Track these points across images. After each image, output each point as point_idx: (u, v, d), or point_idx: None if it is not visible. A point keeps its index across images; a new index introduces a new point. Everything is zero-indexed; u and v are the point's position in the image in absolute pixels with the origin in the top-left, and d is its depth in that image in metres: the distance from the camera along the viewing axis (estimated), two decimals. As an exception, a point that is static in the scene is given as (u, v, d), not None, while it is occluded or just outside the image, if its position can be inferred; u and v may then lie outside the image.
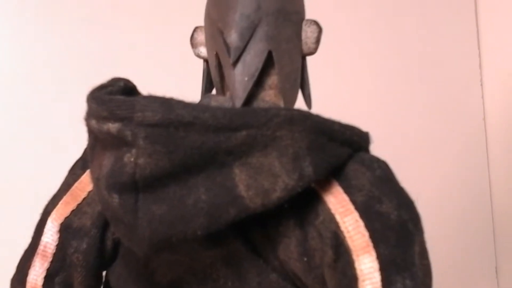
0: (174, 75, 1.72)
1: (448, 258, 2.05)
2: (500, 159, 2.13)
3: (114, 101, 0.77)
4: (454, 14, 2.15)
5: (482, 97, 2.17)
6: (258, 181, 0.75)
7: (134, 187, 0.76)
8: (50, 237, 0.91)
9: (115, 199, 0.77)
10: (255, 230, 0.82)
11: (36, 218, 0.95)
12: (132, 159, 0.75)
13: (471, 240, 2.13)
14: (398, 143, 2.01)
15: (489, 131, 2.17)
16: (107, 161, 0.79)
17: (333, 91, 1.92)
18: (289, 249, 0.81)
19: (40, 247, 0.91)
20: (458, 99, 2.15)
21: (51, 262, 0.91)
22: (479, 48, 2.17)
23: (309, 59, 0.99)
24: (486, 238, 2.14)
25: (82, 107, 0.84)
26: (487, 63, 2.17)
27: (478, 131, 2.16)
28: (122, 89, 0.84)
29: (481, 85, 2.17)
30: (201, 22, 0.99)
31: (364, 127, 0.85)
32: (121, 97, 0.77)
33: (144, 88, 0.91)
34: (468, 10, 2.16)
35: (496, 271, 2.13)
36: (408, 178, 0.85)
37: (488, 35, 2.16)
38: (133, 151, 0.75)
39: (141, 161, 0.74)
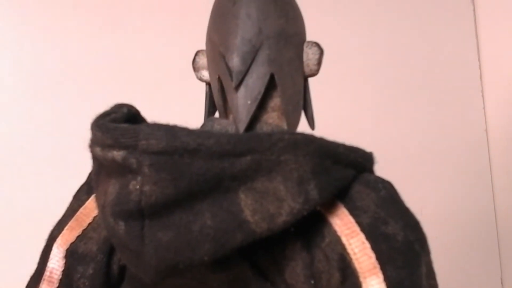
0: (176, 98, 1.73)
1: (453, 271, 2.05)
2: (503, 169, 2.14)
3: (119, 129, 0.77)
4: (453, 25, 2.17)
5: (484, 108, 2.18)
6: (264, 205, 0.75)
7: (140, 214, 0.76)
8: (56, 263, 0.91)
9: (121, 226, 0.77)
10: (262, 253, 0.82)
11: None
12: (137, 187, 0.75)
13: (476, 251, 2.13)
14: (401, 155, 2.02)
15: (491, 142, 2.18)
16: (112, 188, 0.79)
17: (335, 108, 1.93)
18: (295, 272, 0.81)
19: (46, 273, 0.91)
20: (460, 111, 2.16)
21: None
22: (479, 60, 2.19)
23: (311, 79, 0.99)
24: (491, 248, 2.14)
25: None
26: (487, 74, 2.18)
27: (480, 142, 2.17)
28: (126, 115, 0.85)
29: (482, 96, 2.18)
30: (202, 46, 1.00)
31: (366, 141, 0.86)
32: (126, 125, 0.77)
33: (146, 111, 0.91)
34: (467, 21, 2.18)
35: (502, 282, 2.14)
36: (411, 190, 0.86)
37: (488, 45, 2.17)
38: (139, 178, 0.75)
39: (146, 188, 0.74)
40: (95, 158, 0.83)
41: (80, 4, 1.75)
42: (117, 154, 0.76)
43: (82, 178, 0.98)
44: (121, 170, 0.77)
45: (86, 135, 0.85)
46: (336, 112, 1.90)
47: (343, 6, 2.02)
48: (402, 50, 2.10)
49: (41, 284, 0.91)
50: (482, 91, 2.18)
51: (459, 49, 2.16)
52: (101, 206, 0.82)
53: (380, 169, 0.88)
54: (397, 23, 2.10)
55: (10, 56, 1.70)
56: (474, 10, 2.18)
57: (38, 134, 1.71)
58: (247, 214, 0.75)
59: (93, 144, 0.81)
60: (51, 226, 0.96)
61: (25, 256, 1.05)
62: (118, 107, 0.86)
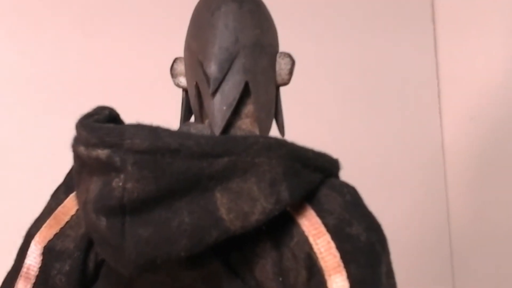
0: (153, 103, 1.76)
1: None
2: (458, 185, 2.19)
3: (104, 129, 0.81)
4: (413, 42, 2.22)
5: (441, 124, 2.24)
6: (238, 204, 0.79)
7: (122, 210, 0.79)
8: (33, 260, 0.93)
9: (103, 222, 0.81)
10: (234, 251, 0.86)
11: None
12: (120, 184, 0.78)
13: (428, 265, 2.20)
14: (357, 171, 2.06)
15: (447, 157, 2.24)
16: (94, 185, 0.82)
17: (303, 117, 1.98)
18: (265, 269, 0.85)
19: (23, 270, 0.93)
20: (417, 127, 2.21)
21: (34, 284, 0.93)
22: (437, 77, 2.24)
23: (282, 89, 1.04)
24: (444, 268, 2.21)
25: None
26: (445, 91, 2.23)
27: (437, 162, 2.23)
28: (107, 117, 0.89)
29: (439, 112, 2.24)
30: (180, 53, 1.04)
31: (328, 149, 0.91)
32: (111, 125, 0.82)
33: (124, 114, 0.95)
34: (427, 38, 2.23)
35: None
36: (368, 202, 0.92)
37: (446, 63, 2.22)
38: (122, 176, 0.78)
39: (129, 185, 0.78)
40: (77, 156, 0.86)
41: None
42: (102, 153, 0.80)
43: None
44: (104, 168, 0.81)
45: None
46: (302, 122, 1.95)
47: (313, 24, 2.08)
48: (361, 66, 2.15)
49: (18, 280, 0.93)
50: (439, 108, 2.24)
51: (418, 66, 2.22)
52: (82, 203, 0.85)
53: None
54: (358, 41, 2.15)
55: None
56: (434, 28, 2.24)
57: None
58: (223, 212, 0.79)
59: (77, 143, 0.85)
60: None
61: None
62: (100, 109, 0.90)
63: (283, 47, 1.04)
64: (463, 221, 2.18)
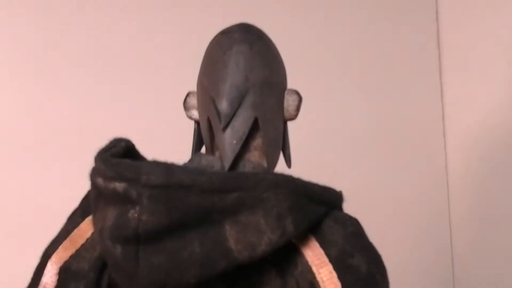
0: (167, 134, 1.82)
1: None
2: (461, 208, 2.22)
3: (122, 164, 0.87)
4: (418, 65, 2.26)
5: (445, 147, 2.28)
6: (246, 236, 0.84)
7: (136, 239, 0.85)
8: (50, 278, 0.98)
9: (118, 249, 0.86)
10: (241, 279, 0.91)
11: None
12: (136, 215, 0.84)
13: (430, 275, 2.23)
14: (364, 196, 2.10)
15: (451, 181, 2.27)
16: (111, 214, 0.88)
17: (311, 149, 2.03)
18: None
19: (40, 287, 0.98)
20: (422, 150, 2.25)
21: None
22: (442, 100, 2.27)
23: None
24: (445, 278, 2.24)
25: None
26: (449, 115, 2.26)
27: (440, 181, 2.27)
28: (124, 149, 0.95)
29: (444, 136, 2.28)
30: (193, 87, 1.09)
31: (334, 177, 0.96)
32: (128, 161, 0.87)
33: (139, 143, 1.01)
34: (432, 62, 2.28)
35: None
36: (373, 228, 0.96)
37: (451, 87, 2.25)
38: (137, 208, 0.84)
39: (144, 217, 0.84)
40: (95, 187, 0.92)
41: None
42: (119, 186, 0.86)
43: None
44: (121, 200, 0.86)
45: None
46: (310, 154, 1.99)
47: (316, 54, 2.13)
48: (367, 89, 2.19)
49: None
50: (443, 132, 2.28)
51: (423, 89, 2.26)
52: (98, 230, 0.91)
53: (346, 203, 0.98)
54: (363, 60, 2.19)
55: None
56: (438, 52, 2.28)
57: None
58: (231, 243, 0.84)
59: (95, 174, 0.91)
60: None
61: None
62: (117, 141, 0.96)
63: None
64: (465, 238, 2.21)
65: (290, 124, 1.08)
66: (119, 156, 0.92)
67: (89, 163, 0.94)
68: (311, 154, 1.94)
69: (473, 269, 2.17)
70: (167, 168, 0.85)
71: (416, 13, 2.28)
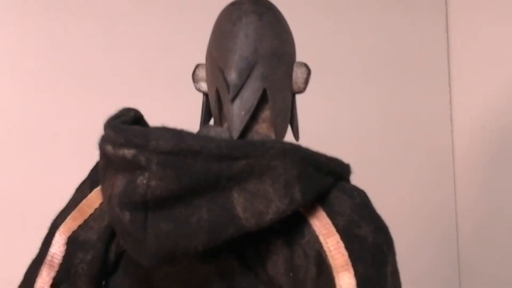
0: (174, 105, 1.82)
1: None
2: (468, 194, 2.23)
3: (131, 130, 0.87)
4: (426, 55, 2.26)
5: (452, 142, 2.28)
6: (254, 204, 0.85)
7: (145, 206, 0.85)
8: (58, 249, 0.99)
9: (127, 216, 0.86)
10: (248, 247, 0.91)
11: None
12: (144, 181, 0.84)
13: (436, 268, 2.23)
14: (370, 176, 2.10)
15: (458, 168, 2.27)
16: (119, 182, 0.88)
17: (319, 122, 2.03)
18: (277, 265, 0.90)
19: (48, 258, 0.99)
20: (428, 137, 2.25)
21: (58, 271, 0.98)
22: (450, 95, 2.28)
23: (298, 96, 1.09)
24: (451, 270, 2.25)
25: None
26: (457, 109, 2.27)
27: (447, 168, 2.27)
28: (133, 118, 0.95)
29: (451, 131, 2.29)
30: (201, 59, 1.09)
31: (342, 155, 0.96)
32: (137, 127, 0.87)
33: (147, 115, 1.01)
34: (440, 51, 2.28)
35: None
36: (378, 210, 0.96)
37: (458, 74, 2.26)
38: (146, 174, 0.84)
39: (152, 183, 0.84)
40: (104, 154, 0.92)
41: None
42: (128, 152, 0.86)
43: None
44: (130, 166, 0.86)
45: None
46: (318, 127, 1.99)
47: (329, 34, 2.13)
48: (375, 73, 2.20)
49: (42, 267, 0.99)
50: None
51: (430, 74, 2.26)
52: (107, 197, 0.91)
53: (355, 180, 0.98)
54: (372, 47, 2.20)
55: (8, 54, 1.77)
56: (447, 36, 2.28)
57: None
58: (239, 210, 0.85)
59: (104, 142, 0.91)
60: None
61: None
62: (126, 110, 0.96)
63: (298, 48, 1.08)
64: (471, 225, 2.22)
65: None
66: (128, 125, 0.92)
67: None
68: (316, 132, 1.93)
69: (479, 262, 2.18)
70: (176, 133, 0.85)
71: (425, 8, 2.28)
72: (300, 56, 1.11)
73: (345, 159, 0.95)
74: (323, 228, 0.89)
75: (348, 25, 2.17)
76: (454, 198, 2.27)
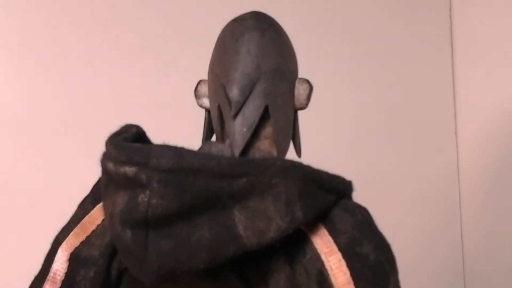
0: (177, 122, 1.81)
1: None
2: (472, 203, 2.22)
3: (132, 148, 0.87)
4: (431, 67, 2.26)
5: (456, 142, 2.28)
6: (255, 222, 0.84)
7: (146, 224, 0.85)
8: (60, 265, 0.98)
9: (128, 233, 0.86)
10: (250, 266, 0.91)
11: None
12: (145, 199, 0.84)
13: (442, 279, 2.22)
14: (376, 187, 2.10)
15: (462, 177, 2.26)
16: (121, 199, 0.88)
17: (320, 139, 2.02)
18: (279, 284, 0.90)
19: (50, 274, 0.98)
20: (433, 146, 2.24)
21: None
22: (454, 94, 2.27)
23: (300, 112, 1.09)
24: (456, 276, 2.23)
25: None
26: (461, 109, 2.26)
27: (452, 177, 2.26)
28: (134, 135, 0.95)
29: (455, 131, 2.28)
30: (204, 75, 1.09)
31: (345, 170, 0.95)
32: (139, 145, 0.87)
33: (150, 132, 1.01)
34: (444, 59, 2.27)
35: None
36: (384, 219, 0.96)
37: (463, 84, 2.25)
38: (147, 192, 0.84)
39: (153, 201, 0.84)
40: (105, 171, 0.92)
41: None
42: (129, 170, 0.86)
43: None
44: (131, 184, 0.86)
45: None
46: (318, 147, 1.99)
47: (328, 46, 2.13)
48: (379, 87, 2.19)
49: (45, 284, 0.98)
50: (455, 125, 2.28)
51: (435, 87, 2.26)
52: (109, 215, 0.91)
53: (358, 197, 0.98)
54: (376, 62, 2.19)
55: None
56: (451, 49, 2.28)
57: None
58: (240, 229, 0.84)
59: (106, 159, 0.91)
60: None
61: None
62: (128, 127, 0.96)
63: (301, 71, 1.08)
64: (476, 234, 2.21)
65: (300, 115, 1.08)
66: (129, 142, 0.92)
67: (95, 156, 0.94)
68: (320, 147, 1.93)
69: (484, 265, 2.17)
70: (177, 151, 0.85)
71: (430, 5, 2.28)
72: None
73: (349, 168, 0.94)
74: (325, 247, 0.88)
75: (350, 21, 2.17)
76: (459, 206, 2.26)
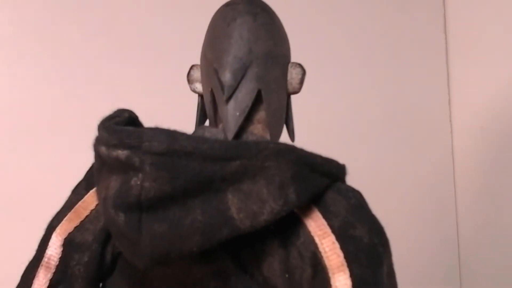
0: (169, 107, 1.81)
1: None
2: (467, 194, 2.22)
3: (125, 131, 0.87)
4: (425, 52, 2.25)
5: (451, 133, 2.28)
6: (248, 205, 0.84)
7: (139, 207, 0.85)
8: (54, 250, 0.98)
9: (121, 217, 0.86)
10: (243, 249, 0.91)
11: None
12: (138, 183, 0.84)
13: (436, 264, 2.23)
14: (369, 176, 2.10)
15: (457, 167, 2.26)
16: (114, 183, 0.88)
17: (315, 124, 2.03)
18: (272, 266, 0.90)
19: (44, 259, 0.98)
20: (428, 139, 2.25)
21: (54, 273, 0.98)
22: (448, 86, 2.27)
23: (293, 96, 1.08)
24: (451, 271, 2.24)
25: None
26: (456, 100, 2.26)
27: (447, 170, 2.27)
28: (127, 119, 0.95)
29: (450, 122, 2.28)
30: (196, 60, 1.09)
31: (340, 157, 0.95)
32: (131, 128, 0.87)
33: (143, 116, 1.01)
34: (438, 48, 2.27)
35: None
36: (377, 207, 0.96)
37: (457, 78, 2.25)
38: (140, 175, 0.84)
39: (146, 184, 0.84)
40: (98, 156, 0.92)
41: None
42: (122, 153, 0.86)
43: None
44: (124, 168, 0.86)
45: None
46: (314, 139, 1.99)
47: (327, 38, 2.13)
48: (374, 78, 2.19)
49: (39, 269, 0.99)
50: (450, 117, 2.28)
51: (429, 76, 2.26)
52: (102, 199, 0.91)
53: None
54: (372, 56, 2.19)
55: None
56: (445, 38, 2.27)
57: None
58: (233, 211, 0.84)
59: (98, 143, 0.91)
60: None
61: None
62: (121, 111, 0.96)
63: (296, 54, 1.08)
64: (472, 224, 2.21)
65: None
66: (122, 126, 0.91)
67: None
68: (315, 140, 1.93)
69: (480, 262, 2.17)
70: (170, 134, 0.85)
71: (423, 7, 2.28)
72: (298, 53, 1.11)
73: (344, 159, 0.94)
74: (318, 229, 0.88)
75: (345, 14, 2.16)
76: (454, 198, 2.26)
